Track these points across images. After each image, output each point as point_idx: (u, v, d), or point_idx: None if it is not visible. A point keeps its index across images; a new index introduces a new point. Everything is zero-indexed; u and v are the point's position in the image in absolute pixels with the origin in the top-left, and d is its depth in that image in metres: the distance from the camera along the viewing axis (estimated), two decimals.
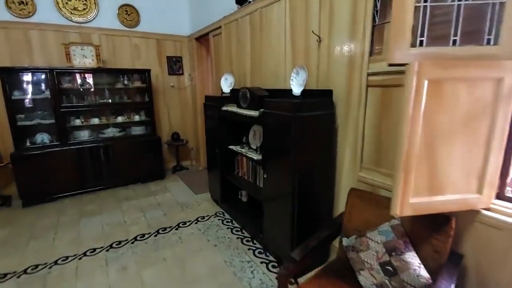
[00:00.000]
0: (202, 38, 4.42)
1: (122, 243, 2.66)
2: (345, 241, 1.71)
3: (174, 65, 4.70)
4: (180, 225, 3.00)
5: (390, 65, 1.36)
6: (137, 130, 4.20)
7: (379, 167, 1.93)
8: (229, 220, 3.10)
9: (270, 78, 2.84)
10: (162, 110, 4.73)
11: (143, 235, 2.81)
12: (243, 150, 2.88)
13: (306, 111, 1.91)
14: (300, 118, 1.86)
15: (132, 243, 2.67)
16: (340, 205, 2.25)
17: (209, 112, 3.23)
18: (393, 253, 1.50)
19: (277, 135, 2.03)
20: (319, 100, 2.07)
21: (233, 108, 2.73)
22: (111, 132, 4.01)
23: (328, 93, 2.09)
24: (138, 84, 4.12)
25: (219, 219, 3.13)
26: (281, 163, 2.05)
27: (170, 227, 2.96)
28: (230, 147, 3.03)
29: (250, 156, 2.66)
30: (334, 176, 2.24)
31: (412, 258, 1.44)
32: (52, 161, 3.54)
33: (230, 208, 3.19)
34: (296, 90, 2.11)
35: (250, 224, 2.81)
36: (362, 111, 1.95)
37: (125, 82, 4.03)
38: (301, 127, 1.88)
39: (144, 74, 4.09)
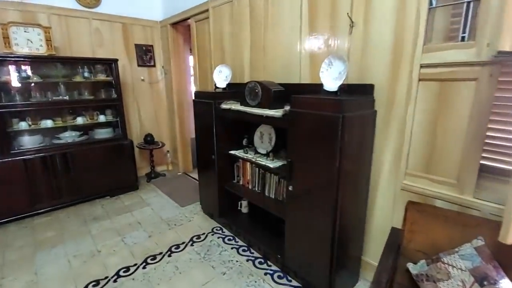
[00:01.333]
0: (179, 24, 3.81)
1: (101, 283, 2.05)
2: (413, 268, 1.41)
3: (144, 55, 4.01)
4: (173, 249, 2.46)
5: (500, 52, 1.06)
6: (102, 133, 3.46)
7: (429, 173, 1.67)
8: (231, 238, 2.65)
9: (279, 72, 2.43)
10: (132, 108, 4.02)
11: (127, 268, 2.22)
12: (249, 155, 2.44)
13: (353, 111, 1.55)
14: (347, 120, 1.50)
15: (115, 281, 2.07)
16: (376, 217, 1.96)
17: (200, 110, 2.71)
18: (485, 283, 1.24)
19: (314, 139, 1.65)
20: (362, 98, 1.73)
21: (239, 107, 2.27)
22: (69, 136, 3.23)
23: (367, 89, 1.77)
24: (102, 77, 3.38)
25: (218, 237, 2.65)
26: (319, 173, 1.67)
27: (161, 253, 2.40)
28: (232, 152, 2.56)
29: (263, 163, 2.24)
30: (368, 183, 1.94)
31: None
32: None
33: (230, 222, 2.74)
34: (331, 84, 1.74)
35: (259, 241, 2.40)
36: (411, 109, 1.66)
37: (86, 74, 3.26)
38: (348, 130, 1.52)
39: (110, 64, 3.36)
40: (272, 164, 2.19)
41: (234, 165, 2.75)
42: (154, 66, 4.13)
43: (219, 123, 2.54)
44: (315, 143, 1.65)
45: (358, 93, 1.78)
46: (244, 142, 2.71)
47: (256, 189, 2.57)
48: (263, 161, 2.26)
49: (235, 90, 2.67)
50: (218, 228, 2.81)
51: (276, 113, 1.90)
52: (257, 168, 2.50)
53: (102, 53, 3.60)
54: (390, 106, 1.75)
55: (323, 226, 1.71)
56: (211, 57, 3.21)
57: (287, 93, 2.11)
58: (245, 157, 2.42)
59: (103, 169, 3.39)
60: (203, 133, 2.76)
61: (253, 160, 2.33)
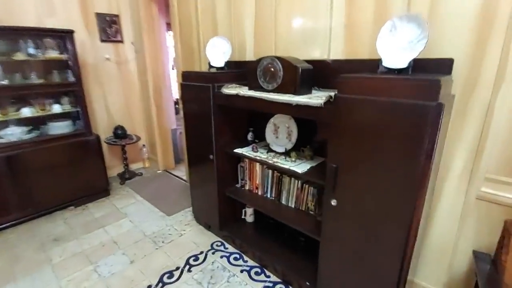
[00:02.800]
0: None
1: None
2: None
3: (109, 27, 3.20)
4: (165, 279, 1.90)
5: None
6: (59, 128, 2.70)
7: None
8: (237, 256, 2.14)
9: (296, 46, 1.87)
10: (96, 94, 3.24)
11: None
12: (262, 155, 1.90)
13: (444, 97, 1.07)
14: (437, 109, 1.01)
15: None
16: (433, 233, 1.55)
17: (192, 96, 2.09)
18: None
19: (379, 137, 1.15)
20: (443, 78, 1.24)
21: (252, 92, 1.69)
22: (12, 134, 2.44)
23: (443, 65, 1.28)
24: (54, 54, 2.58)
25: (221, 256, 2.13)
26: (387, 182, 1.19)
27: (149, 286, 1.83)
28: (238, 151, 2.00)
29: (285, 167, 1.71)
30: (432, 192, 1.50)
31: None
32: None
33: (233, 236, 2.22)
34: (394, 58, 1.23)
35: (274, 259, 1.93)
36: (503, 93, 1.22)
37: (31, 50, 2.45)
38: (437, 124, 1.04)
39: (63, 38, 2.57)
40: (297, 167, 1.67)
41: (238, 165, 2.20)
42: (121, 41, 3.34)
43: (219, 113, 1.95)
44: (381, 142, 1.15)
45: (428, 71, 1.29)
46: (249, 136, 2.17)
47: (269, 196, 2.06)
48: (284, 163, 1.73)
49: (237, 70, 2.08)
50: (219, 243, 2.28)
51: (314, 100, 1.36)
52: (270, 170, 1.98)
53: (53, 24, 2.76)
54: (470, 89, 1.29)
55: (387, 257, 1.26)
56: (198, 31, 2.54)
57: (315, 73, 1.60)
58: (257, 157, 1.87)
59: (62, 172, 2.66)
60: (195, 126, 2.16)
61: (269, 162, 1.79)
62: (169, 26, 3.56)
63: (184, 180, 3.43)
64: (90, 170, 2.86)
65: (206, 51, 2.14)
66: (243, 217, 2.36)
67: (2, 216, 2.40)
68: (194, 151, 2.27)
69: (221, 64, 2.09)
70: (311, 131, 1.84)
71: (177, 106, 4.34)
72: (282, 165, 1.72)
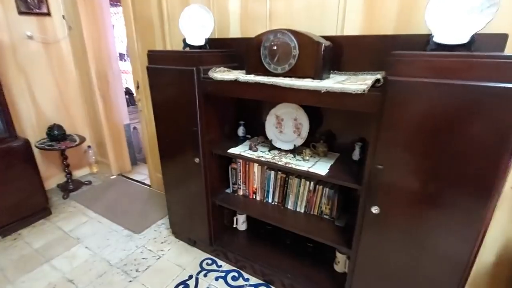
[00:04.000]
0: None
1: None
2: None
3: None
4: None
5: None
6: None
7: None
8: (236, 274, 1.80)
9: (298, 22, 1.53)
10: (17, 85, 2.43)
11: None
12: (267, 155, 1.55)
13: None
14: None
15: None
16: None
17: (164, 83, 1.60)
18: None
19: (455, 130, 0.92)
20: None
21: (264, 78, 1.30)
22: None
23: (493, 41, 1.10)
24: None
25: (216, 278, 1.76)
26: (451, 184, 0.98)
27: None
28: (235, 152, 1.61)
29: (303, 169, 1.39)
30: None
31: None
32: None
33: (225, 249, 1.87)
34: (453, 32, 1.00)
35: (280, 271, 1.66)
36: None
37: None
38: None
39: None
40: (317, 168, 1.38)
41: (229, 167, 1.81)
42: (48, 14, 2.54)
43: (205, 104, 1.53)
44: (456, 136, 0.92)
45: (478, 48, 1.09)
46: (240, 132, 1.80)
47: (270, 201, 1.74)
48: (300, 165, 1.42)
49: (222, 50, 1.66)
50: (209, 261, 1.90)
51: (352, 85, 1.06)
52: (272, 172, 1.65)
53: None
54: None
55: (442, 277, 1.07)
56: (160, 0, 2.00)
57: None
58: (261, 159, 1.52)
59: None
60: (171, 122, 1.68)
61: (279, 164, 1.45)
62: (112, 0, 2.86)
63: (147, 185, 2.88)
64: (19, 185, 2.15)
65: (180, 24, 1.65)
66: (234, 225, 2.01)
67: None
68: (170, 152, 1.80)
69: (201, 42, 1.64)
70: (314, 121, 1.56)
71: (128, 96, 3.66)
72: (298, 167, 1.40)
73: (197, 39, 1.64)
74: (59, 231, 2.19)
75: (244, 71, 1.51)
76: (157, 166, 2.69)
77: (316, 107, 1.52)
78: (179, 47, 2.00)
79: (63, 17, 2.64)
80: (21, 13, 2.37)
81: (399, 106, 0.98)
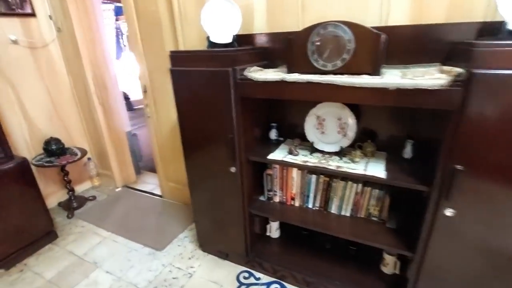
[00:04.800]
0: None
1: None
2: None
3: None
4: None
5: None
6: None
7: None
8: (278, 287, 1.69)
9: (335, 10, 1.41)
10: (4, 96, 2.15)
11: None
12: (310, 159, 1.44)
13: None
14: None
15: None
16: None
17: (193, 86, 1.43)
18: None
19: None
20: None
21: (316, 77, 1.15)
22: None
23: None
24: None
25: None
26: None
27: None
28: (273, 157, 1.48)
29: (358, 173, 1.29)
30: None
31: None
32: None
33: (261, 259, 1.76)
34: None
35: (329, 280, 1.57)
36: None
37: None
38: None
39: None
40: (373, 171, 1.28)
41: (264, 174, 1.69)
42: (33, 15, 2.26)
43: (241, 108, 1.38)
44: None
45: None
46: (273, 134, 1.68)
47: (311, 206, 1.63)
48: (354, 169, 1.32)
49: (252, 47, 1.51)
50: (246, 275, 1.78)
51: (428, 80, 0.96)
52: (313, 176, 1.54)
53: None
54: None
55: None
56: None
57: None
58: (307, 164, 1.40)
59: None
60: (200, 128, 1.53)
61: (329, 169, 1.34)
62: None
63: (158, 195, 2.70)
64: (20, 209, 1.91)
65: (202, 21, 1.48)
66: (267, 233, 1.90)
67: None
68: (198, 162, 1.64)
69: (228, 39, 1.48)
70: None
71: (126, 101, 3.41)
72: (352, 171, 1.30)
73: (224, 37, 1.48)
74: (71, 256, 1.98)
75: (277, 69, 1.39)
76: (169, 175, 2.52)
77: (354, 104, 1.41)
78: (193, 47, 1.85)
79: (50, 17, 2.36)
80: (1, 14, 2.09)
81: (487, 101, 0.90)
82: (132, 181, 3.00)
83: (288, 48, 1.26)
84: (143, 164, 3.32)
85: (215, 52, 1.34)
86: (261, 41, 1.58)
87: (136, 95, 3.62)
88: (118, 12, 3.87)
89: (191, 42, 1.86)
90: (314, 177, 1.55)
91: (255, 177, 1.69)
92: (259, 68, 1.44)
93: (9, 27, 2.13)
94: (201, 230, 1.90)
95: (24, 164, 1.93)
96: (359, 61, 1.13)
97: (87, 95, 2.54)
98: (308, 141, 1.53)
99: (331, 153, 1.48)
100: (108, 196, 2.75)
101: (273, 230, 1.89)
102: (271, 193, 1.71)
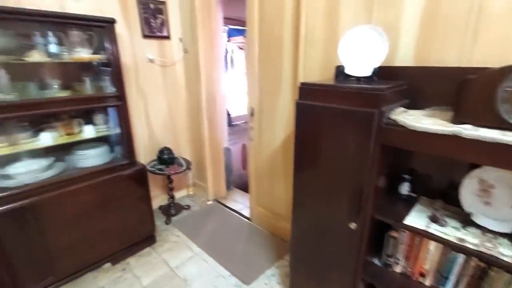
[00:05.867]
0: None
1: None
2: None
3: (153, 18, 2.40)
4: None
5: None
6: (91, 158, 1.92)
7: None
8: None
9: None
10: (136, 107, 2.45)
11: None
12: (465, 236, 1.07)
13: None
14: None
15: None
16: None
17: (318, 123, 1.26)
18: None
19: None
20: None
21: None
22: (26, 172, 1.66)
23: None
24: (85, 54, 1.79)
25: None
26: None
27: None
28: (413, 224, 1.17)
29: None
30: None
31: None
32: None
33: None
34: None
35: None
36: None
37: (51, 48, 1.66)
38: None
39: (100, 29, 1.78)
40: None
41: (386, 234, 1.38)
42: (168, 38, 2.53)
43: (378, 157, 1.13)
44: None
45: None
46: (405, 189, 1.35)
47: None
48: None
49: (397, 83, 1.25)
50: None
51: None
52: (461, 256, 1.15)
53: (79, 9, 1.97)
54: None
55: None
56: (298, 15, 1.71)
57: None
58: (466, 246, 1.04)
59: (95, 221, 1.89)
60: (320, 170, 1.33)
61: (505, 260, 0.96)
62: (226, 20, 2.76)
63: (246, 217, 2.63)
64: (133, 212, 2.09)
65: (340, 49, 1.31)
66: None
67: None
68: (309, 204, 1.44)
69: (367, 72, 1.26)
70: None
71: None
72: None
73: (362, 69, 1.27)
74: (165, 266, 2.04)
75: (425, 112, 1.09)
76: (261, 199, 2.43)
77: None
78: (312, 76, 1.70)
79: (180, 40, 2.61)
80: (145, 36, 2.39)
81: None
82: (222, 196, 3.05)
83: (461, 90, 0.96)
84: (232, 179, 3.36)
85: (358, 89, 1.13)
86: (405, 75, 1.31)
87: (236, 111, 3.72)
88: (231, 34, 4.14)
89: (312, 70, 1.72)
90: (461, 257, 1.16)
91: (373, 234, 1.39)
92: (403, 109, 1.17)
93: (148, 47, 2.42)
94: (295, 280, 1.69)
95: (142, 170, 2.11)
96: None
97: (198, 109, 2.70)
98: (456, 205, 1.16)
99: (496, 233, 1.07)
100: (200, 208, 2.84)
101: None
102: (391, 259, 1.38)
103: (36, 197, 1.62)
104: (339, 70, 1.35)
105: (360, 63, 1.27)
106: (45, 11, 1.59)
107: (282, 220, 2.27)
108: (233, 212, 2.75)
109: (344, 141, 1.18)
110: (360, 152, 1.13)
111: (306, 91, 1.28)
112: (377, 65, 1.25)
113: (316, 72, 1.70)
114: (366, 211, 1.20)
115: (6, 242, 1.55)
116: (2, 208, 1.51)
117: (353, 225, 1.24)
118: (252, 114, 2.21)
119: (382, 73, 1.32)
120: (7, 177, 1.63)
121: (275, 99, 2.02)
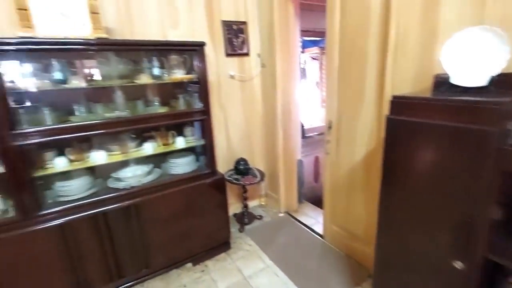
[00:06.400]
0: None
1: None
2: None
3: (235, 38, 2.58)
4: None
5: None
6: (180, 166, 2.14)
7: None
8: None
9: None
10: (217, 120, 2.65)
11: None
12: None
13: None
14: None
15: None
16: None
17: (416, 143, 1.13)
18: None
19: None
20: None
21: None
22: (133, 176, 1.96)
23: None
24: (179, 74, 2.03)
25: None
26: None
27: None
28: None
29: None
30: None
31: None
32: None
33: None
34: None
35: None
36: None
37: (155, 71, 1.93)
38: None
39: (193, 52, 1.99)
40: None
41: (502, 280, 1.13)
42: (247, 54, 2.68)
43: (497, 184, 0.93)
44: None
45: None
46: None
47: None
48: None
49: None
50: None
51: None
52: None
53: (176, 36, 2.26)
54: None
55: None
56: (387, 20, 1.58)
57: None
58: None
59: (182, 223, 2.09)
60: (417, 194, 1.19)
61: None
62: (302, 32, 2.77)
63: (318, 234, 2.53)
64: (212, 218, 2.23)
65: (443, 55, 1.16)
66: None
67: (113, 281, 1.91)
68: (401, 234, 1.30)
69: (481, 82, 1.07)
70: None
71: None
72: None
73: (474, 78, 1.09)
74: (239, 274, 2.11)
75: None
76: (336, 218, 2.30)
77: None
78: (402, 88, 1.54)
79: (258, 55, 2.73)
80: (228, 55, 2.57)
81: None
82: (294, 209, 3.01)
83: None
84: (303, 192, 3.28)
85: (470, 102, 0.97)
86: None
87: (310, 123, 3.66)
88: (305, 45, 4.12)
89: (401, 82, 1.57)
90: None
91: (484, 277, 1.15)
92: None
93: (230, 64, 2.60)
94: None
95: (222, 180, 2.25)
96: None
97: (273, 120, 2.75)
98: None
99: None
100: (271, 219, 2.86)
101: None
102: None
103: (139, 198, 1.89)
104: (440, 80, 1.19)
105: (472, 71, 1.09)
106: (154, 40, 1.90)
107: (359, 242, 2.10)
108: (304, 228, 2.68)
109: (448, 164, 1.02)
110: (471, 178, 0.96)
111: (399, 104, 1.17)
112: (495, 72, 1.05)
113: (407, 83, 1.54)
114: (477, 249, 1.01)
115: (114, 234, 1.84)
116: (116, 205, 1.81)
117: (458, 264, 1.05)
118: (330, 127, 2.14)
119: (501, 82, 1.10)
120: (118, 180, 1.94)
121: (356, 112, 1.91)
